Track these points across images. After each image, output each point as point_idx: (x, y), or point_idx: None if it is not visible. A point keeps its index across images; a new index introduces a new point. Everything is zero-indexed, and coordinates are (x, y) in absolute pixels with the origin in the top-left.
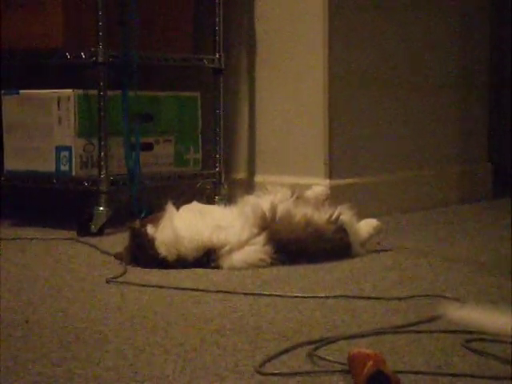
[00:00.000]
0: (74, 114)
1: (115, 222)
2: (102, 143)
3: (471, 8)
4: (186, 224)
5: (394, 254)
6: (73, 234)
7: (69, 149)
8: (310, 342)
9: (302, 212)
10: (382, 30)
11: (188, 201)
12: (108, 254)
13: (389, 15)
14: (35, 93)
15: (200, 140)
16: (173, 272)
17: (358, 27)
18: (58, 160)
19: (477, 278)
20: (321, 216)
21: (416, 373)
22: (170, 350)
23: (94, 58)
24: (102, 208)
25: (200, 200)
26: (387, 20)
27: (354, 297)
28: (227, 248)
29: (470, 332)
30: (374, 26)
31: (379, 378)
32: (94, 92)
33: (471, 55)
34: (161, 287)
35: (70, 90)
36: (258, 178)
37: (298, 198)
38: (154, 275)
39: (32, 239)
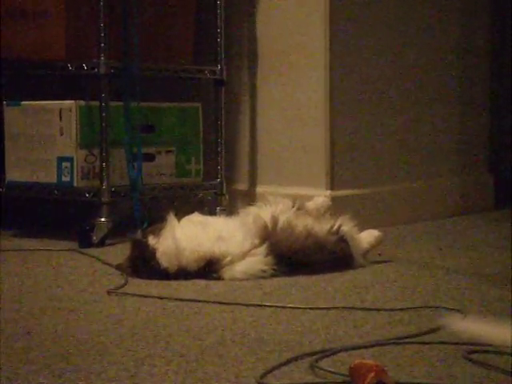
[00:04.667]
0: (76, 125)
1: (116, 233)
2: (104, 154)
3: (471, 20)
4: (187, 235)
5: (396, 265)
6: (74, 244)
7: (70, 159)
8: (311, 353)
9: (303, 223)
10: (384, 42)
11: (189, 212)
12: (109, 265)
13: (390, 26)
14: (37, 104)
15: (201, 151)
16: (174, 283)
17: (359, 38)
18: (59, 171)
19: (478, 290)
20: (322, 227)
21: None
22: (171, 361)
23: (96, 70)
24: (103, 219)
25: (201, 211)
26: (388, 31)
27: (355, 308)
28: (228, 259)
29: (472, 343)
30: (376, 37)
31: None
32: (95, 103)
33: (471, 65)
34: (162, 298)
35: (71, 101)
36: (260, 189)
37: (299, 208)
38: (155, 286)
39: (33, 250)
